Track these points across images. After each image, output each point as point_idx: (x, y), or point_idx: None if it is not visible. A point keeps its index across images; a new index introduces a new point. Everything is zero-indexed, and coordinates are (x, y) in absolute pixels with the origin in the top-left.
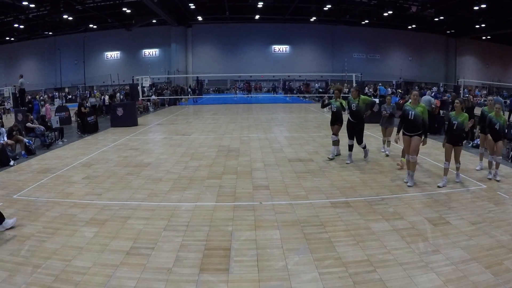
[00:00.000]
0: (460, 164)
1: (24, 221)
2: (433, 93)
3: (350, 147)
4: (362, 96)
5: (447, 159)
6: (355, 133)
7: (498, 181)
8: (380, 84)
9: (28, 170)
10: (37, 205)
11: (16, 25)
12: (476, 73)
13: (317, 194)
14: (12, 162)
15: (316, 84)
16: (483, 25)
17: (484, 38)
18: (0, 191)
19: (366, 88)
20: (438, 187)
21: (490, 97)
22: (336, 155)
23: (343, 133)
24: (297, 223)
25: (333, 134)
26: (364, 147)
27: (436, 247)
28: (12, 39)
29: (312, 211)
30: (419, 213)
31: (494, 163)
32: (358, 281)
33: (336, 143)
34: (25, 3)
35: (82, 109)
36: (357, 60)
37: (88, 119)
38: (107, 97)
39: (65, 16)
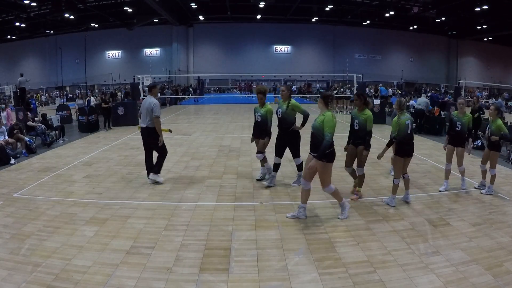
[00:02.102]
0: (464, 168)
1: (24, 219)
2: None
3: (275, 167)
4: (292, 101)
5: (449, 160)
6: (284, 147)
7: (482, 192)
8: (381, 84)
9: (28, 169)
10: (38, 203)
11: (17, 24)
12: (477, 75)
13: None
14: (12, 161)
15: (318, 85)
16: (484, 27)
17: (485, 39)
18: (0, 190)
19: (367, 88)
20: (440, 191)
21: (492, 106)
22: (266, 175)
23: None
24: (297, 224)
25: (258, 151)
26: (300, 169)
27: (436, 248)
28: (14, 37)
29: (313, 211)
30: (419, 214)
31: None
32: (358, 282)
33: (264, 161)
34: (26, 1)
35: (103, 104)
36: (359, 61)
37: (89, 118)
38: (92, 98)
39: (66, 15)
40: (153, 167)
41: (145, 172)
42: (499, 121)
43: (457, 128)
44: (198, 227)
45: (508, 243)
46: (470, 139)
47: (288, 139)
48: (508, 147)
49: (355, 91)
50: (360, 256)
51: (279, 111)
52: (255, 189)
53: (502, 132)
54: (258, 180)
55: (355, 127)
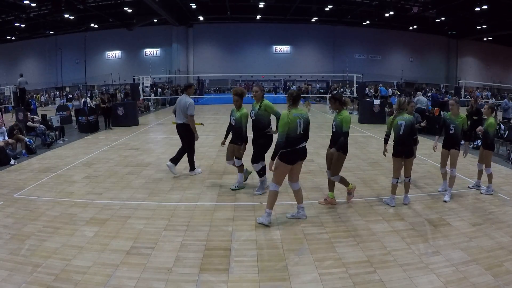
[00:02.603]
0: (455, 173)
1: (24, 220)
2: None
3: (262, 170)
4: (265, 102)
5: (443, 164)
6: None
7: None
8: (381, 85)
9: (28, 169)
10: (38, 204)
11: (17, 24)
12: (477, 74)
13: (317, 195)
14: (12, 161)
15: (317, 85)
16: (484, 26)
17: (485, 39)
18: (0, 190)
19: (367, 88)
20: (439, 192)
21: (486, 105)
22: (243, 183)
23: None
24: (297, 224)
25: (235, 157)
26: (261, 174)
27: (436, 248)
28: (13, 38)
29: (312, 211)
30: (419, 214)
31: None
32: (358, 282)
33: (241, 169)
34: (26, 2)
35: (101, 104)
36: (358, 61)
37: (89, 118)
38: (88, 100)
39: (66, 15)
40: (173, 158)
41: (145, 172)
42: (491, 120)
43: (450, 131)
44: (198, 228)
45: (508, 243)
46: (467, 142)
47: (258, 141)
48: (508, 147)
49: (355, 91)
50: (360, 256)
51: (252, 113)
52: (255, 189)
53: (488, 131)
54: (233, 189)
55: (333, 129)
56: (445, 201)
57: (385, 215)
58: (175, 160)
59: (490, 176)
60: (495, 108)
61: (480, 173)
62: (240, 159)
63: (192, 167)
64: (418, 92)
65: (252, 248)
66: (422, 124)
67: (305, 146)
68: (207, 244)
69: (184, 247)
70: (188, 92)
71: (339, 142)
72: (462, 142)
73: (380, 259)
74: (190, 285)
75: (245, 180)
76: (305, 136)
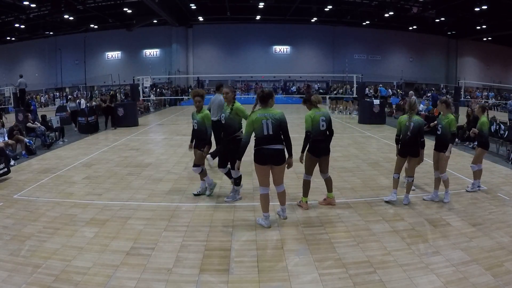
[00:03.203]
0: (446, 177)
1: (24, 221)
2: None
3: (228, 176)
4: (237, 104)
5: (436, 167)
6: (227, 155)
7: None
8: (381, 85)
9: (28, 170)
10: (38, 205)
11: (17, 25)
12: (476, 74)
13: (317, 195)
14: (12, 162)
15: (315, 85)
16: (484, 27)
17: (485, 39)
18: (0, 191)
19: (367, 89)
20: (424, 200)
21: (477, 105)
22: (207, 190)
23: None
24: (297, 224)
25: (194, 164)
26: (237, 183)
27: (436, 248)
28: (13, 39)
29: (312, 211)
30: (419, 215)
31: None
32: (358, 282)
33: (203, 174)
34: (26, 3)
35: (102, 104)
36: (358, 61)
37: (89, 119)
38: (83, 101)
39: (66, 16)
40: (212, 153)
41: (145, 173)
42: (483, 119)
43: (438, 132)
44: (198, 228)
45: (508, 243)
46: (450, 144)
47: (229, 146)
48: (508, 147)
49: (355, 92)
50: (360, 257)
51: (223, 116)
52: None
53: (482, 130)
54: (195, 195)
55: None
56: (444, 202)
57: (385, 215)
58: (214, 155)
59: (477, 173)
60: (487, 107)
61: (437, 182)
62: (200, 165)
63: (213, 155)
64: (411, 92)
65: (252, 248)
66: (431, 124)
67: (278, 149)
68: (207, 244)
69: (184, 247)
70: (220, 91)
71: (303, 144)
72: (459, 140)
73: (380, 259)
74: (190, 285)
75: (210, 193)
76: (276, 137)
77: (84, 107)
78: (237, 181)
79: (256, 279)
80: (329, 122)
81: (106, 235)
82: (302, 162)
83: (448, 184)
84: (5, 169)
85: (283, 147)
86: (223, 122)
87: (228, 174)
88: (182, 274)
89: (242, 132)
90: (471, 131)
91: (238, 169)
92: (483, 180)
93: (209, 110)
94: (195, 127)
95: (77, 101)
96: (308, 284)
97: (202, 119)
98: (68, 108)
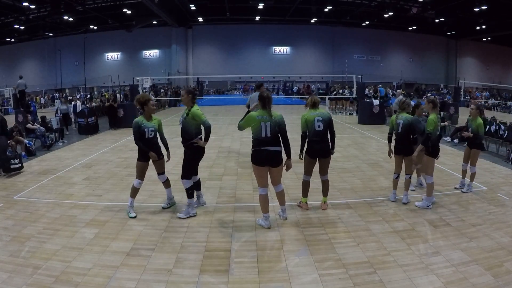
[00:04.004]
0: (430, 176)
1: (24, 222)
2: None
3: (196, 185)
4: (194, 108)
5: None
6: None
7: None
8: (380, 85)
9: (28, 171)
10: (38, 206)
11: (16, 26)
12: (476, 75)
13: (317, 196)
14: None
15: (313, 86)
16: (483, 27)
17: (484, 39)
18: (0, 192)
19: (366, 89)
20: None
21: (473, 105)
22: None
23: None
24: (297, 225)
25: (158, 173)
26: (189, 195)
27: (436, 248)
28: (13, 40)
29: (312, 212)
30: (419, 215)
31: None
32: (358, 283)
33: (166, 184)
34: (25, 4)
35: (106, 103)
36: (358, 62)
37: (89, 120)
38: (78, 103)
39: (65, 17)
40: None
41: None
42: (479, 120)
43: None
44: (198, 229)
45: (508, 243)
46: (420, 145)
47: (186, 153)
48: (508, 147)
49: (354, 92)
50: (360, 257)
51: (180, 120)
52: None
53: (479, 132)
54: (164, 208)
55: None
56: (416, 206)
57: (385, 215)
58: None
59: (473, 175)
60: (482, 108)
61: (464, 172)
62: (159, 174)
63: None
64: (398, 91)
65: (252, 249)
66: (446, 123)
67: (276, 150)
68: (207, 245)
69: (184, 248)
70: (260, 90)
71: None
72: (457, 141)
73: (380, 259)
74: (190, 286)
75: (166, 206)
76: (274, 139)
77: (79, 109)
78: (189, 192)
79: (256, 280)
80: (327, 123)
81: (106, 236)
82: (301, 158)
83: (429, 188)
84: (19, 165)
85: (281, 149)
86: (180, 126)
87: (189, 190)
88: (182, 275)
89: (201, 138)
90: (463, 133)
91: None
92: (483, 180)
93: (248, 106)
94: (151, 136)
95: (73, 103)
96: (308, 284)
97: (155, 127)
98: (59, 111)
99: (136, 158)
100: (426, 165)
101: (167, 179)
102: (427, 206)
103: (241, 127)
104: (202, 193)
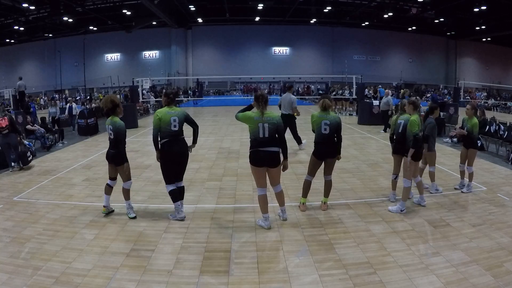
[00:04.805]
0: (407, 180)
1: (24, 223)
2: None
3: (170, 192)
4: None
5: (418, 174)
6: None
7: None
8: (380, 86)
9: (28, 172)
10: (37, 207)
11: (16, 27)
12: (476, 75)
13: (317, 196)
14: (12, 164)
15: (312, 86)
16: (483, 27)
17: (484, 40)
18: (0, 193)
19: (366, 90)
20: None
21: (468, 105)
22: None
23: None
24: (297, 225)
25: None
26: (172, 199)
27: (436, 249)
28: (12, 41)
29: (312, 213)
30: (419, 215)
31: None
32: (358, 283)
33: (108, 191)
34: (25, 5)
35: None
36: (357, 62)
37: (88, 121)
38: (74, 105)
39: (65, 18)
40: (296, 140)
41: (145, 174)
42: (475, 120)
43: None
44: (198, 230)
45: (508, 243)
46: (411, 149)
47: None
48: (507, 147)
49: (354, 93)
50: (360, 257)
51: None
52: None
53: (473, 132)
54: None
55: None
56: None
57: (385, 216)
58: (298, 140)
59: (471, 175)
60: (477, 107)
61: (462, 173)
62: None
63: (299, 141)
64: (387, 91)
65: (252, 250)
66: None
67: (273, 151)
68: (207, 246)
69: (184, 249)
70: (291, 91)
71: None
72: (457, 140)
73: (380, 260)
74: (190, 287)
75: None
76: (272, 140)
77: (76, 111)
78: (171, 197)
79: (256, 281)
80: (334, 127)
81: (106, 237)
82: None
83: (405, 192)
84: (31, 157)
85: (279, 149)
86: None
87: (170, 194)
88: (182, 275)
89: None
90: (457, 132)
91: None
92: (483, 180)
93: (280, 106)
94: (112, 137)
95: (68, 104)
96: (308, 285)
97: (116, 129)
98: (49, 114)
99: (135, 159)
100: (404, 167)
101: (106, 185)
102: (401, 211)
103: (237, 118)
104: (182, 209)
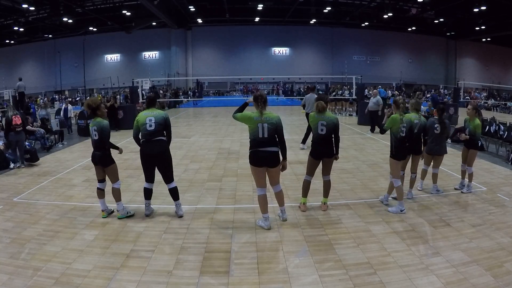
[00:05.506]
0: (397, 179)
1: (24, 224)
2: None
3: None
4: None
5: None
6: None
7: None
8: (380, 86)
9: (28, 173)
10: (37, 208)
11: (16, 28)
12: (476, 75)
13: (317, 197)
14: (12, 165)
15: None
16: (483, 27)
17: (484, 40)
18: (0, 194)
19: (366, 90)
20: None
21: (469, 106)
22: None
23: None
24: (297, 225)
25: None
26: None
27: (436, 249)
28: (12, 42)
29: (312, 213)
30: (419, 216)
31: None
32: (358, 284)
33: (101, 195)
34: (25, 6)
35: (107, 104)
36: (357, 62)
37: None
38: (70, 106)
39: (65, 19)
40: (303, 139)
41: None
42: (477, 121)
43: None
44: (198, 230)
45: (508, 243)
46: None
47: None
48: (507, 147)
49: (354, 93)
50: (360, 258)
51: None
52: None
53: (476, 133)
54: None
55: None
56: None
57: (385, 216)
58: (304, 140)
59: (471, 175)
60: (479, 108)
61: (463, 173)
62: (102, 180)
63: (303, 140)
64: (375, 91)
65: (252, 250)
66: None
67: (273, 151)
68: (207, 246)
69: (184, 249)
70: (314, 91)
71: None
72: (453, 141)
73: (380, 260)
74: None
75: (121, 215)
76: (271, 140)
77: (70, 114)
78: (145, 195)
79: (256, 281)
80: (331, 127)
81: (106, 237)
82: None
83: (398, 191)
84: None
85: (278, 149)
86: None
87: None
88: (182, 276)
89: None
90: (460, 135)
91: None
92: (483, 180)
93: (304, 106)
94: (95, 138)
95: (63, 106)
96: (308, 285)
97: (101, 128)
98: (37, 116)
99: (135, 160)
100: (390, 167)
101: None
102: (401, 211)
103: (235, 118)
104: (151, 207)
